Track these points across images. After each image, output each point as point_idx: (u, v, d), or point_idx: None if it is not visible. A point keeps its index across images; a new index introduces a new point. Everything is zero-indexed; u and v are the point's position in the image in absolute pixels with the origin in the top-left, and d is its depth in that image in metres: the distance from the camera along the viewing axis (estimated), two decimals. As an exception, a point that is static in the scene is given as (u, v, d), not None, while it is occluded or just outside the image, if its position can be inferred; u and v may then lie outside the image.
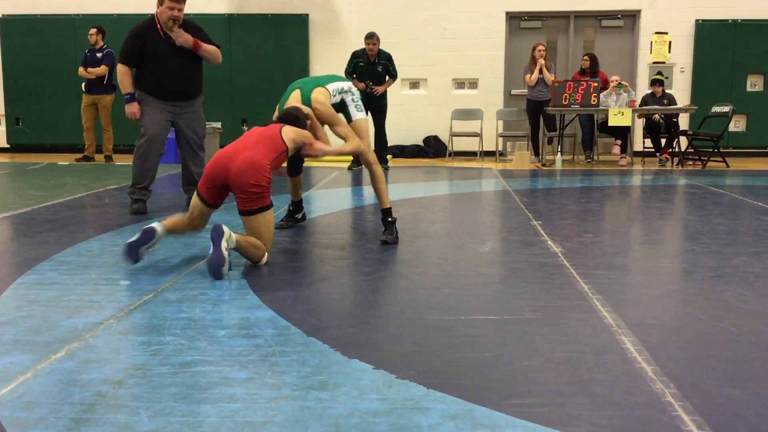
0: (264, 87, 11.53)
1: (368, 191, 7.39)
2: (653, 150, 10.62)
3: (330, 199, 6.80)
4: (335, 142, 4.64)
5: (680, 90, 11.56)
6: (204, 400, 2.16)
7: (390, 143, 10.40)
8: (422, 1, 11.69)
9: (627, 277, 3.80)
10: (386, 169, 9.52)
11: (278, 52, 11.86)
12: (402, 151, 11.70)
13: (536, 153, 10.64)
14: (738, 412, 2.09)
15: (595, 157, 10.74)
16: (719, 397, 2.20)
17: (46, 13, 12.13)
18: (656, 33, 11.51)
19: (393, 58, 9.51)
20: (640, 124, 10.96)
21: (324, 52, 11.74)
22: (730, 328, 2.89)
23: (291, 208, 5.27)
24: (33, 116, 12.35)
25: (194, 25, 5.85)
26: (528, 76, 10.47)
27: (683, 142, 10.62)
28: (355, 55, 9.46)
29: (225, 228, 3.65)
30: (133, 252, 3.80)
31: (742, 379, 2.34)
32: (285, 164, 4.53)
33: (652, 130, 10.51)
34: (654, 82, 10.50)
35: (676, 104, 10.53)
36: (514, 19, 11.83)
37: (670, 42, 11.52)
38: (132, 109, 5.66)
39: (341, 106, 4.84)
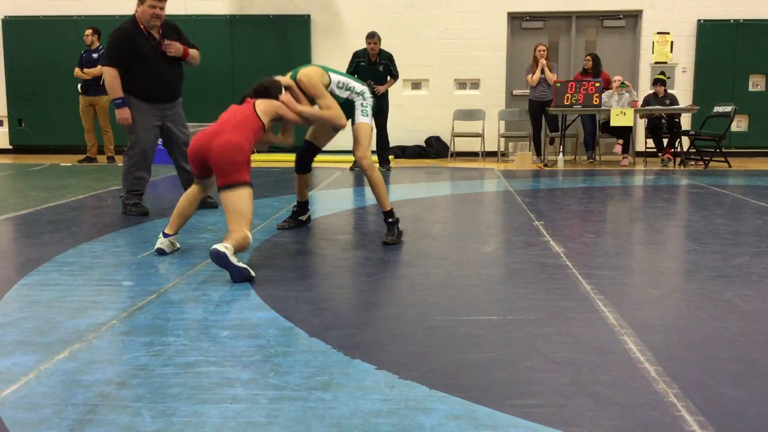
0: (266, 88, 11.51)
1: (370, 192, 7.39)
2: (655, 150, 10.61)
3: (332, 199, 6.81)
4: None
5: (682, 90, 11.55)
6: (207, 400, 2.17)
7: (392, 144, 10.40)
8: (424, 2, 11.69)
9: (629, 277, 3.80)
10: (388, 170, 9.53)
11: (280, 53, 11.86)
12: (404, 152, 11.70)
13: (538, 153, 10.64)
14: (741, 413, 2.09)
15: (597, 158, 10.73)
16: (722, 397, 2.20)
17: (48, 14, 12.15)
18: (658, 33, 11.51)
19: (394, 58, 9.51)
20: (642, 125, 10.95)
21: (325, 53, 11.74)
22: (732, 328, 2.88)
23: (295, 208, 5.20)
24: (35, 117, 12.37)
25: (173, 26, 5.78)
26: (530, 76, 10.46)
27: (685, 142, 10.62)
28: (356, 55, 9.46)
29: (219, 247, 3.57)
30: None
31: (746, 379, 2.34)
32: (276, 135, 4.53)
33: (654, 130, 10.50)
34: (656, 82, 10.49)
35: (678, 104, 10.52)
36: (515, 19, 11.82)
37: (671, 42, 11.52)
38: (125, 114, 5.47)
39: (349, 108, 4.74)
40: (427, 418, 2.05)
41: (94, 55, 10.32)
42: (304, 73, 4.51)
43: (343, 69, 9.59)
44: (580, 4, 11.62)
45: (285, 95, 4.36)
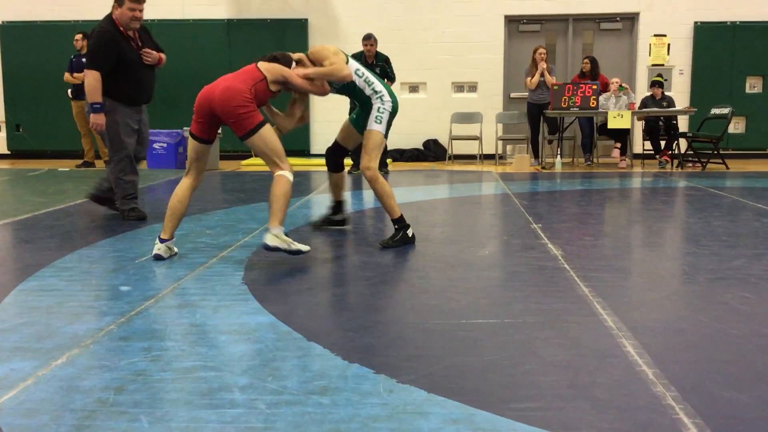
0: (264, 92, 11.52)
1: (368, 195, 7.39)
2: (653, 152, 10.62)
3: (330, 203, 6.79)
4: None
5: (679, 92, 11.56)
6: (205, 405, 2.16)
7: (390, 147, 10.40)
8: (421, 6, 11.70)
9: (627, 279, 3.80)
10: (386, 173, 9.52)
11: (278, 57, 11.85)
12: (402, 155, 11.70)
13: (536, 156, 10.64)
14: (739, 415, 2.09)
15: (595, 160, 10.74)
16: (720, 399, 2.20)
17: (46, 19, 12.15)
18: (655, 35, 11.52)
19: (391, 60, 9.52)
20: (639, 127, 10.96)
21: (323, 57, 11.72)
22: (731, 330, 2.89)
23: (331, 210, 5.19)
24: (33, 123, 12.36)
25: (145, 28, 5.71)
26: (529, 79, 10.47)
27: (683, 144, 10.62)
28: (353, 58, 9.45)
29: (269, 242, 4.01)
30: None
31: (744, 381, 2.34)
32: (293, 114, 4.55)
33: (651, 132, 10.51)
34: (653, 84, 10.50)
35: (675, 106, 10.53)
36: (513, 22, 11.84)
37: (668, 44, 11.53)
38: (101, 120, 5.36)
39: (365, 105, 4.67)
40: (426, 423, 2.05)
41: (84, 60, 10.29)
42: (316, 47, 4.57)
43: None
44: (577, 7, 11.64)
45: (298, 70, 4.42)
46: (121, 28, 5.41)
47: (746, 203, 6.49)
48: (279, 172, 4.15)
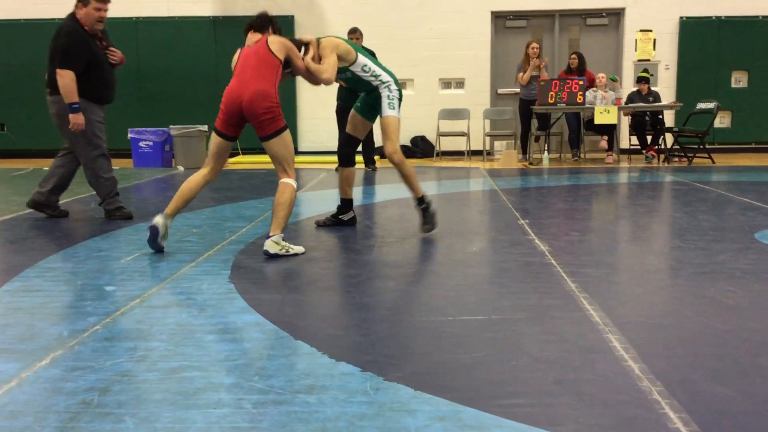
0: (250, 89, 11.47)
1: (355, 193, 7.38)
2: (639, 147, 10.66)
3: (317, 201, 6.79)
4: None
5: (665, 87, 11.60)
6: (190, 406, 2.15)
7: (377, 144, 10.38)
8: (408, 2, 11.68)
9: (614, 275, 3.81)
10: (374, 170, 9.51)
11: (264, 54, 11.81)
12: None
13: (525, 152, 10.66)
14: (724, 409, 2.10)
15: (582, 155, 10.77)
16: (706, 394, 2.21)
17: (31, 17, 12.04)
18: (641, 31, 11.56)
19: (377, 56, 9.49)
20: (626, 122, 11.00)
21: (310, 54, 11.69)
22: (716, 324, 2.90)
23: (338, 209, 5.21)
24: (18, 122, 12.25)
25: (104, 29, 5.65)
26: (521, 74, 10.45)
27: (669, 139, 10.67)
28: None
29: (269, 249, 4.14)
30: (153, 245, 4.27)
31: (729, 375, 2.35)
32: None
33: (638, 127, 10.55)
34: (640, 80, 10.53)
35: (661, 101, 10.57)
36: (499, 18, 11.84)
37: (654, 39, 11.57)
38: (80, 119, 5.29)
39: (371, 95, 4.82)
40: (413, 420, 2.04)
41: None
42: (329, 39, 4.64)
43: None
44: (563, 3, 11.65)
45: (306, 58, 4.50)
46: (86, 28, 5.35)
47: (732, 197, 6.52)
48: (286, 180, 4.27)
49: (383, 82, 4.75)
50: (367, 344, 2.70)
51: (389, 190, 7.37)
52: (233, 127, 4.33)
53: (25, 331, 2.87)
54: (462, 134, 11.06)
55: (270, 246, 4.15)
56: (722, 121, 11.68)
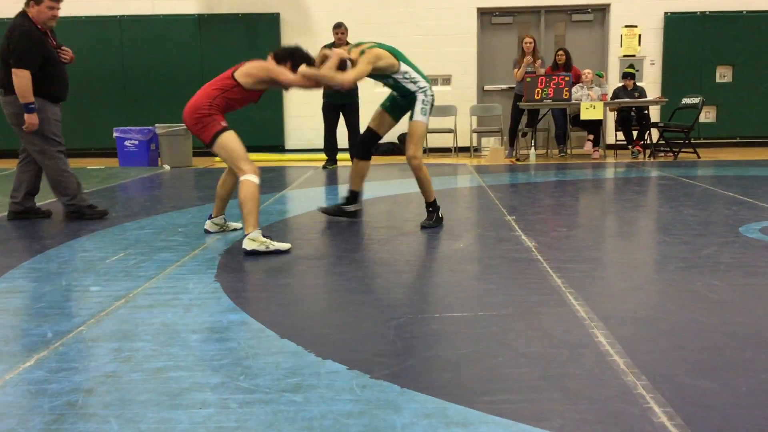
0: (236, 87, 11.41)
1: (342, 191, 7.38)
2: (625, 143, 10.70)
3: (304, 199, 6.78)
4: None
5: (651, 82, 11.66)
6: (175, 406, 2.14)
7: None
8: (394, -1, 11.68)
9: (599, 270, 3.83)
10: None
11: (250, 52, 11.67)
12: (376, 149, 11.66)
13: (512, 147, 10.67)
14: (709, 403, 2.11)
15: (569, 151, 10.80)
16: (690, 387, 2.22)
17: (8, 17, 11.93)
18: (626, 26, 11.60)
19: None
20: (612, 118, 11.04)
21: (296, 51, 11.65)
22: (700, 318, 2.92)
23: (344, 200, 5.30)
24: None
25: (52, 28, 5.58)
26: (516, 69, 10.46)
27: (655, 134, 10.72)
28: (325, 48, 9.44)
29: (246, 246, 4.19)
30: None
31: (713, 369, 2.37)
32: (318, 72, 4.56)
33: (623, 122, 10.59)
34: (625, 75, 10.58)
35: (646, 97, 10.62)
36: (485, 15, 11.85)
37: (639, 35, 11.62)
38: (34, 120, 5.21)
39: (406, 97, 4.95)
40: (399, 418, 2.04)
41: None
42: (374, 52, 4.68)
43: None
44: (549, -1, 11.69)
45: (305, 68, 4.51)
46: (38, 26, 5.28)
47: (717, 191, 6.56)
48: (242, 177, 4.31)
49: (420, 88, 4.89)
50: (353, 342, 2.70)
51: (377, 187, 7.37)
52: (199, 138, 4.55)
53: (8, 333, 2.85)
54: (449, 131, 11.06)
55: (247, 244, 4.19)
56: (707, 116, 11.75)
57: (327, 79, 4.55)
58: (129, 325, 2.93)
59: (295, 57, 4.50)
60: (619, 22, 11.63)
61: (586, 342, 2.64)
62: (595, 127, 10.48)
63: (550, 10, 11.83)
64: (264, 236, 4.24)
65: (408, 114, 5.04)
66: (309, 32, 11.62)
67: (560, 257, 4.03)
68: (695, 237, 4.53)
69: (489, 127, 11.58)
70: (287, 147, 11.90)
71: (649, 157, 10.32)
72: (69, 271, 3.91)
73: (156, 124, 10.35)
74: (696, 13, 11.52)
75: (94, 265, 4.01)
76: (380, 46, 4.83)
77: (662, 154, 10.53)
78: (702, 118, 11.20)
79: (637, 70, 11.11)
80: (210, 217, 4.92)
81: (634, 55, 11.65)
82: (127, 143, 10.22)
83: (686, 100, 10.56)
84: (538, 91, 9.96)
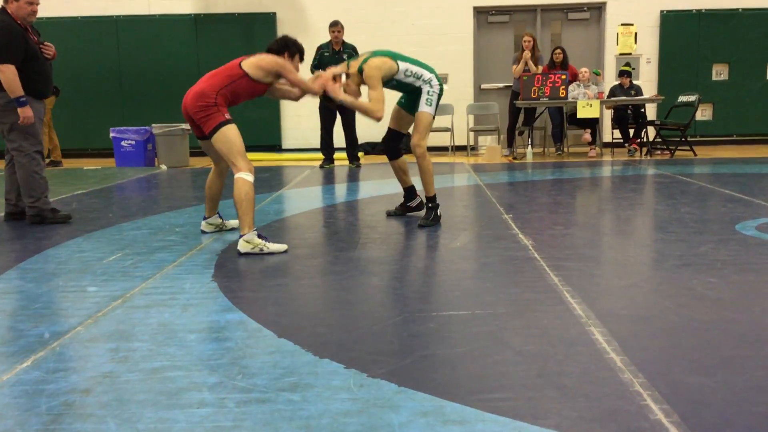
0: (233, 87, 11.41)
1: (339, 190, 7.38)
2: (622, 141, 10.72)
3: (301, 198, 6.78)
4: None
5: (647, 80, 11.67)
6: (173, 406, 2.14)
7: (361, 141, 10.38)
8: (390, -2, 11.68)
9: (596, 268, 3.83)
10: (358, 166, 9.51)
11: (246, 52, 11.68)
12: (373, 149, 11.67)
13: (510, 145, 10.67)
14: (705, 400, 2.11)
15: (566, 149, 10.81)
16: (687, 385, 2.22)
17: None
18: (622, 24, 11.62)
19: (359, 51, 9.49)
20: (608, 116, 11.05)
21: (292, 51, 11.64)
22: (697, 316, 2.92)
23: (405, 197, 5.46)
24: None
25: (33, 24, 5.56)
26: (515, 67, 10.45)
27: (651, 132, 10.73)
28: (320, 48, 9.47)
29: (241, 248, 4.19)
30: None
31: (710, 366, 2.37)
32: (336, 87, 4.74)
33: (620, 120, 10.61)
34: (621, 74, 10.59)
35: (643, 95, 10.63)
36: (481, 13, 11.86)
37: (635, 33, 11.63)
38: (29, 113, 5.19)
39: (414, 92, 5.01)
40: (396, 416, 2.05)
41: None
42: (370, 65, 4.76)
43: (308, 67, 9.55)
44: (545, -3, 11.69)
45: (327, 79, 4.67)
46: (18, 21, 5.26)
47: (713, 189, 6.57)
48: (236, 175, 4.30)
49: (425, 81, 4.96)
50: (350, 341, 2.70)
51: (374, 187, 7.37)
52: (196, 128, 4.48)
53: (5, 334, 2.85)
54: (446, 129, 11.07)
55: (241, 246, 4.19)
56: (703, 113, 11.76)
57: (361, 109, 4.81)
58: (126, 325, 2.93)
59: (289, 46, 4.57)
60: (616, 21, 11.64)
61: (582, 340, 2.65)
62: (591, 125, 10.49)
63: (547, 8, 11.84)
64: (260, 237, 4.23)
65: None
66: (305, 31, 11.61)
67: (557, 255, 4.04)
68: (692, 234, 4.54)
69: (486, 125, 11.58)
70: (284, 146, 11.90)
71: (646, 155, 10.34)
72: (66, 271, 3.90)
73: (153, 124, 10.34)
74: (692, 11, 11.54)
75: (91, 266, 4.00)
76: (375, 54, 4.84)
77: (659, 152, 10.54)
78: (698, 116, 11.22)
79: (633, 68, 11.11)
80: (204, 219, 4.92)
81: (630, 53, 11.66)
82: (123, 143, 10.21)
83: (682, 98, 10.57)
84: (534, 90, 9.97)
